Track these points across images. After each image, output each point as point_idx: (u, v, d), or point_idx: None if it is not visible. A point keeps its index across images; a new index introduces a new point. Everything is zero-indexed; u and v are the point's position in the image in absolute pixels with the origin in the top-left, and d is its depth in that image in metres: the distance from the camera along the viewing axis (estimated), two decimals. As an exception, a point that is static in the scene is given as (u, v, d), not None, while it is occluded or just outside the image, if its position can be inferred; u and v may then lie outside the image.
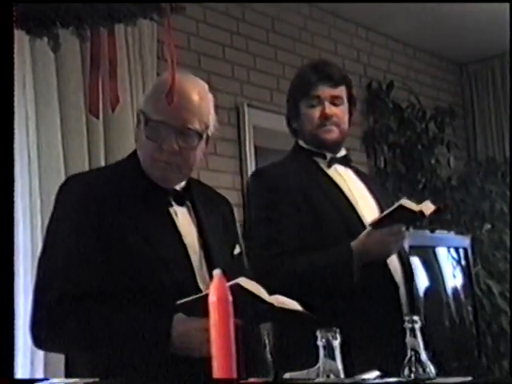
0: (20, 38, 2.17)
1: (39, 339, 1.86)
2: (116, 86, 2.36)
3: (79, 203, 1.86)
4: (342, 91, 2.52)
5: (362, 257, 2.30)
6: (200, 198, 2.02)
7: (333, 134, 2.48)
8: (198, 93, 1.93)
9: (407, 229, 2.39)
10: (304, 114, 2.50)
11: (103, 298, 1.80)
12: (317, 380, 1.45)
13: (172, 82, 1.81)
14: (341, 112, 2.50)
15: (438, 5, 4.83)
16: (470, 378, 1.38)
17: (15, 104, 1.68)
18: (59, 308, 1.78)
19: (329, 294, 2.27)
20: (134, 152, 2.01)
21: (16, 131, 1.80)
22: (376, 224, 2.29)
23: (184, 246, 1.91)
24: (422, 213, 2.27)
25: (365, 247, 2.30)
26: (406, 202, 2.27)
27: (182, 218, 1.96)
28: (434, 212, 2.35)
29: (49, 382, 1.69)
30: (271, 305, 1.71)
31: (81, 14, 2.04)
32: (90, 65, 2.30)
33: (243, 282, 1.65)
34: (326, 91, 2.48)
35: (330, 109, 2.47)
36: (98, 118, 2.68)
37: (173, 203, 1.95)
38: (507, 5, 3.34)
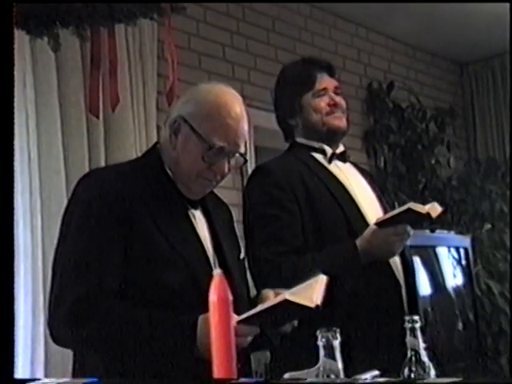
0: (20, 38, 2.17)
1: (59, 337, 1.85)
2: (116, 86, 2.36)
3: (99, 199, 1.84)
4: (337, 82, 2.56)
5: (366, 255, 2.28)
6: (210, 203, 2.04)
7: (342, 121, 2.51)
8: (245, 114, 1.96)
9: (413, 228, 2.39)
10: (310, 105, 2.49)
11: (123, 296, 1.80)
12: (317, 380, 1.44)
13: (172, 82, 1.82)
14: (343, 101, 2.53)
15: (438, 5, 4.83)
16: (459, 379, 1.38)
17: (15, 104, 1.69)
18: (80, 307, 1.77)
19: (333, 293, 2.26)
20: (153, 150, 2.01)
21: (16, 131, 1.80)
22: (382, 223, 2.29)
23: (202, 247, 1.94)
24: (429, 215, 2.27)
25: (369, 245, 2.28)
26: (414, 205, 2.26)
27: (199, 220, 1.98)
28: (440, 214, 2.35)
29: (40, 381, 1.68)
30: (317, 307, 1.64)
31: (81, 14, 2.04)
32: (91, 64, 2.30)
33: (288, 295, 1.61)
34: (329, 82, 2.52)
35: (336, 98, 2.51)
36: (98, 117, 2.69)
37: (189, 206, 1.97)
38: (507, 5, 3.34)
